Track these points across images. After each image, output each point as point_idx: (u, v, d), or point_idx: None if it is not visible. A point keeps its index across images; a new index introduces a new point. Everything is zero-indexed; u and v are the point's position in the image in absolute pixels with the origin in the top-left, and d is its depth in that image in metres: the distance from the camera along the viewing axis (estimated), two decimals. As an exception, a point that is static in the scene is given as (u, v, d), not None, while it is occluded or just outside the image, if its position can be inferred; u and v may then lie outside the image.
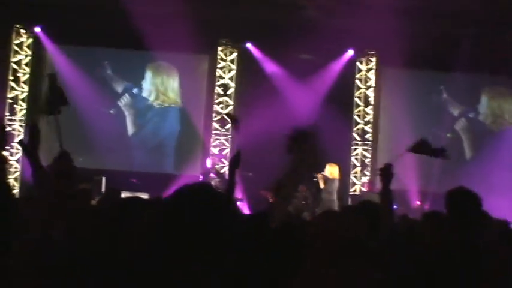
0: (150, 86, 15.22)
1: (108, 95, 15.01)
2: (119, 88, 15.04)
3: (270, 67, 15.07)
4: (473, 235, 3.70)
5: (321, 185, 12.51)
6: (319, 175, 12.59)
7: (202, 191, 2.15)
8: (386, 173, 4.15)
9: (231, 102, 15.25)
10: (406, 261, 3.89)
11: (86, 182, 11.81)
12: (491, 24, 12.87)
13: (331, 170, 12.62)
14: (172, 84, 15.25)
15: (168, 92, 15.24)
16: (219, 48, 15.32)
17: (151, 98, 15.19)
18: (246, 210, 13.45)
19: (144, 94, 15.19)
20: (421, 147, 5.16)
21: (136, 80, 15.24)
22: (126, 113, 15.06)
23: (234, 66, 15.34)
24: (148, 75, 15.23)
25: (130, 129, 15.12)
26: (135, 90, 15.16)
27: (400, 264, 3.86)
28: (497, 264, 3.58)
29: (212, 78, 15.37)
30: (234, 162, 4.77)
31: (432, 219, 4.84)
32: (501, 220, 6.75)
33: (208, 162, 13.77)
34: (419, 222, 5.25)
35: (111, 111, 14.95)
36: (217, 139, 15.10)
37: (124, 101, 15.04)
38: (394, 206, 13.34)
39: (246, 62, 15.25)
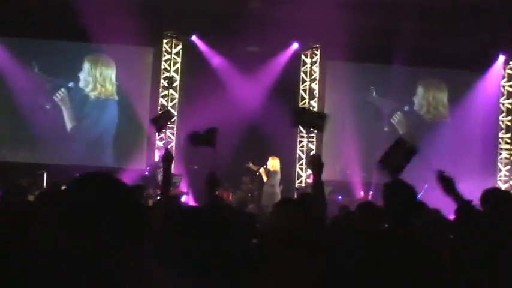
0: (87, 77, 14.91)
1: (44, 90, 14.69)
2: (48, 87, 14.69)
3: (216, 60, 15.02)
4: (406, 226, 3.75)
5: (264, 178, 12.57)
6: (261, 168, 12.64)
7: (98, 180, 2.18)
8: (315, 165, 4.15)
9: (176, 95, 15.15)
10: (340, 251, 3.93)
11: (26, 177, 11.62)
12: (429, 17, 13.11)
13: (273, 163, 12.69)
14: (110, 76, 15.01)
15: (106, 83, 14.99)
16: (164, 41, 15.21)
17: (89, 89, 14.89)
18: (191, 202, 13.40)
19: (81, 85, 14.88)
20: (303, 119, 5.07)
21: (74, 72, 14.93)
22: (63, 108, 14.76)
23: (179, 59, 15.23)
24: (86, 66, 14.93)
25: (68, 123, 14.83)
26: (70, 84, 14.84)
27: (336, 254, 3.91)
28: (429, 256, 3.64)
29: (157, 71, 15.22)
30: (165, 161, 4.79)
31: (365, 209, 4.91)
32: (434, 209, 6.96)
33: (157, 156, 13.63)
34: (354, 213, 5.32)
35: (47, 106, 14.64)
36: (162, 132, 14.97)
37: (60, 95, 14.73)
38: (339, 197, 13.58)
39: (191, 55, 15.16)
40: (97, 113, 14.99)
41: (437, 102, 16.09)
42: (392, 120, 15.75)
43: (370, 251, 3.64)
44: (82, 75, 14.89)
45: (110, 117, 15.02)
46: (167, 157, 4.79)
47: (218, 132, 5.58)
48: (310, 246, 3.57)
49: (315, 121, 5.04)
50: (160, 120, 6.74)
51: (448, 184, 4.12)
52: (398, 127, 15.79)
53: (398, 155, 4.76)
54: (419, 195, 9.93)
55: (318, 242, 3.74)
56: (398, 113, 15.80)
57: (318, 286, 3.32)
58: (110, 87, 15.02)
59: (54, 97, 14.68)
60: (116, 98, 15.04)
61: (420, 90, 16.00)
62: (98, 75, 14.95)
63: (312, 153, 15.28)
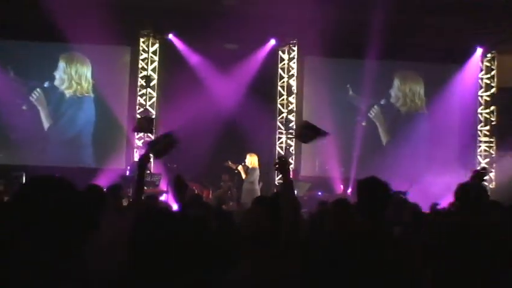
0: (63, 75, 14.79)
1: (21, 92, 14.56)
2: (24, 89, 14.56)
3: (193, 58, 14.97)
4: (379, 223, 3.75)
5: (243, 176, 12.54)
6: (240, 166, 12.62)
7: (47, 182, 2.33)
8: (281, 166, 4.13)
9: (154, 94, 15.08)
10: (314, 248, 3.93)
11: (4, 179, 11.52)
12: (405, 10, 13.13)
13: (252, 160, 12.66)
14: (86, 74, 14.89)
15: (82, 81, 14.88)
16: (141, 40, 15.12)
17: (64, 87, 14.78)
18: (171, 201, 13.35)
19: (57, 83, 14.77)
20: (304, 132, 5.13)
21: (49, 72, 14.81)
22: (40, 108, 14.65)
23: (156, 58, 15.16)
24: (62, 64, 14.82)
25: (45, 123, 14.72)
26: (46, 84, 14.72)
27: (310, 252, 3.91)
28: (403, 252, 3.65)
29: (134, 70, 15.14)
30: (139, 163, 4.72)
31: (340, 206, 4.91)
32: (413, 204, 7.01)
33: (136, 156, 13.53)
34: (329, 210, 5.31)
35: (24, 108, 14.52)
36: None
37: (35, 95, 14.62)
38: (319, 193, 13.58)
39: (168, 53, 15.10)
40: (73, 111, 14.87)
41: (414, 94, 16.16)
42: (369, 115, 15.79)
43: (342, 247, 3.66)
44: (57, 74, 14.81)
45: (87, 115, 14.90)
46: (143, 159, 4.70)
47: (175, 136, 5.49)
48: (279, 246, 3.57)
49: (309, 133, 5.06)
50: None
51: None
52: (376, 121, 15.84)
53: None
54: (408, 193, 10.00)
55: (288, 242, 3.73)
56: (375, 106, 15.84)
57: (287, 284, 3.33)
58: (86, 85, 14.92)
59: (30, 97, 14.57)
60: (92, 95, 14.93)
61: (396, 82, 16.06)
62: (73, 73, 14.86)
63: (291, 150, 15.29)
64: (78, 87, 14.88)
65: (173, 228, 3.92)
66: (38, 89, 14.60)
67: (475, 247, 3.71)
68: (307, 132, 5.10)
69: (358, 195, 3.99)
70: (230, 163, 13.08)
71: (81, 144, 14.82)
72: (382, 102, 15.89)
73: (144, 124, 6.63)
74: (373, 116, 15.79)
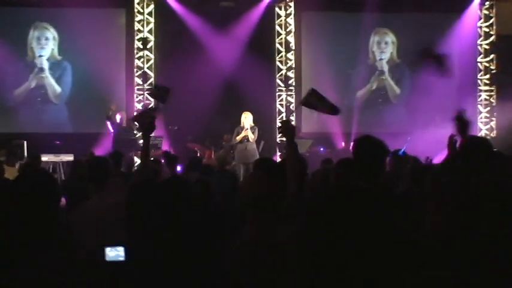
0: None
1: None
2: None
3: (189, 18, 14.80)
4: (372, 181, 3.72)
5: (252, 138, 12.37)
6: (247, 131, 12.37)
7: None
8: (285, 130, 4.11)
9: (152, 56, 14.96)
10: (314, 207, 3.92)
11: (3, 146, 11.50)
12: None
13: (248, 117, 12.46)
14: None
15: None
16: (136, 1, 14.92)
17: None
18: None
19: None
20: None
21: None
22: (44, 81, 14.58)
23: (152, 19, 14.99)
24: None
25: (50, 92, 14.62)
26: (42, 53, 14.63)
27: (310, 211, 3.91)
28: (401, 212, 3.65)
29: (130, 32, 14.99)
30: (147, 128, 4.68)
31: (343, 167, 4.86)
32: (413, 157, 7.01)
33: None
34: (333, 169, 5.27)
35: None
36: (141, 94, 14.86)
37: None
38: (321, 149, 13.58)
39: (164, 14, 14.93)
40: (69, 78, 14.73)
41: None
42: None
43: (338, 207, 3.66)
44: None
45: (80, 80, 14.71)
46: (147, 127, 4.65)
47: (171, 93, 5.67)
48: (285, 209, 3.57)
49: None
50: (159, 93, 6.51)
51: (463, 126, 4.28)
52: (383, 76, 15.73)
53: None
54: (404, 148, 10.01)
55: (294, 205, 3.74)
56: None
57: (290, 251, 3.34)
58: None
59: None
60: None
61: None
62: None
63: (291, 107, 15.23)
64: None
65: (179, 195, 3.95)
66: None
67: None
68: (312, 100, 5.09)
69: (354, 154, 3.94)
70: (236, 137, 12.68)
71: (79, 110, 14.67)
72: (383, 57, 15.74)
73: (161, 93, 6.51)
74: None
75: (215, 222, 4.38)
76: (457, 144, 4.54)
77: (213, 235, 3.98)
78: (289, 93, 15.35)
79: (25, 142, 12.66)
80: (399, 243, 3.43)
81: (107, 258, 3.62)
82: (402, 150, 8.99)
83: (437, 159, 9.78)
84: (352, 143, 3.87)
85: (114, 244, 3.60)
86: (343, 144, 14.50)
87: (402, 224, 3.53)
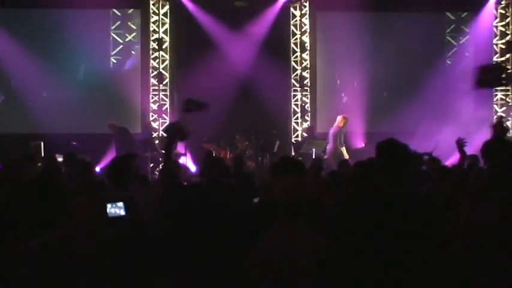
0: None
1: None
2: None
3: (204, 18, 14.83)
4: (398, 186, 3.69)
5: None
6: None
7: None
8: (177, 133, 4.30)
9: (167, 57, 15.00)
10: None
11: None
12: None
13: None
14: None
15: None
16: (151, 2, 14.97)
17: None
18: (190, 163, 13.44)
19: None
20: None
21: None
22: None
23: (167, 20, 15.03)
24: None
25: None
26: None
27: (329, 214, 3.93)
28: (425, 216, 3.64)
29: (146, 33, 15.05)
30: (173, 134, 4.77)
31: (361, 169, 4.84)
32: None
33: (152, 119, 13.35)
34: (352, 172, 5.25)
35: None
36: (156, 95, 14.91)
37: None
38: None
39: (179, 15, 14.97)
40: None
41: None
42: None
43: (359, 210, 3.67)
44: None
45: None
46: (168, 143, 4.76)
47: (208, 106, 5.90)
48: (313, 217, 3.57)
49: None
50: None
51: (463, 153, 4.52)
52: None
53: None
54: (433, 152, 9.99)
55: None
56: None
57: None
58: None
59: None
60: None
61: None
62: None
63: (306, 107, 15.22)
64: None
65: (202, 199, 3.98)
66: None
67: None
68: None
69: (377, 157, 3.91)
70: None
71: (96, 111, 14.65)
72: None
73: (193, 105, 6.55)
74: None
75: (238, 224, 4.39)
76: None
77: (235, 236, 4.00)
78: (304, 93, 15.32)
79: (42, 143, 12.75)
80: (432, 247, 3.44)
81: (109, 215, 3.74)
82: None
83: (450, 161, 9.81)
84: (376, 146, 3.82)
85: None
86: (363, 145, 14.47)
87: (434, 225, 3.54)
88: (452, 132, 12.75)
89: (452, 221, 4.16)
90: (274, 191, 3.69)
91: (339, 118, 13.48)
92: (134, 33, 15.20)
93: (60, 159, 10.75)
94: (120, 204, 3.86)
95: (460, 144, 4.53)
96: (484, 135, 9.60)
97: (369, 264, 3.39)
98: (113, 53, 15.10)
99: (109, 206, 3.86)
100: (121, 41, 15.10)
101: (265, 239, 3.38)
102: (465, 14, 15.71)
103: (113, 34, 15.09)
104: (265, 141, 14.17)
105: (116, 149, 12.79)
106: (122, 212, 3.85)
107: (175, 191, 4.07)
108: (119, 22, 15.07)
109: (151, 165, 13.55)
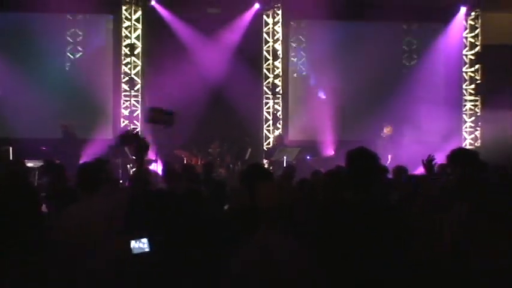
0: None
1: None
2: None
3: (177, 24, 14.80)
4: (367, 195, 3.73)
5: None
6: None
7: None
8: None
9: (139, 62, 14.93)
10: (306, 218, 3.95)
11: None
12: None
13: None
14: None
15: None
16: (123, 8, 14.90)
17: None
18: (159, 171, 13.34)
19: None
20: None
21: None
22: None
23: (139, 25, 14.97)
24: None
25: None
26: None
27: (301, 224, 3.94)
28: (393, 223, 3.68)
29: (118, 38, 14.97)
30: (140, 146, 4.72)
31: (332, 178, 4.88)
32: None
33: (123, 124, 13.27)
34: (322, 180, 5.29)
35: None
36: (127, 100, 14.83)
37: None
38: (308, 157, 13.60)
39: (151, 21, 14.92)
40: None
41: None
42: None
43: (330, 219, 3.70)
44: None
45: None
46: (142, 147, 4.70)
47: (175, 115, 5.84)
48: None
49: None
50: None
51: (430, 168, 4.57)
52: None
53: None
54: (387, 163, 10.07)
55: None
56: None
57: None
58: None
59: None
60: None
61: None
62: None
63: (278, 115, 15.26)
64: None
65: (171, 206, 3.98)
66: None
67: None
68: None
69: (347, 166, 3.95)
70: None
71: (65, 115, 14.48)
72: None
73: (159, 116, 6.45)
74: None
75: (209, 229, 4.39)
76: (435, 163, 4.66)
77: (208, 241, 4.01)
78: (276, 100, 15.36)
79: (10, 148, 12.59)
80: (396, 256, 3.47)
81: (134, 252, 3.71)
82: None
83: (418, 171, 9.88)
84: (346, 156, 3.86)
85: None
86: (332, 152, 14.53)
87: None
88: (417, 142, 12.95)
89: (423, 231, 4.20)
90: (246, 198, 3.70)
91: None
92: (106, 38, 15.11)
93: (29, 164, 10.63)
94: (145, 240, 3.80)
95: (429, 161, 4.57)
96: (452, 145, 9.76)
97: (343, 276, 3.42)
98: (84, 58, 14.95)
99: (133, 242, 3.79)
100: (92, 46, 14.97)
101: (247, 245, 3.35)
102: (436, 25, 15.85)
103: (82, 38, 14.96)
104: (238, 148, 14.17)
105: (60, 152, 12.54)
106: (146, 248, 3.79)
107: (147, 197, 4.07)
108: (90, 27, 14.96)
109: (120, 171, 13.44)
